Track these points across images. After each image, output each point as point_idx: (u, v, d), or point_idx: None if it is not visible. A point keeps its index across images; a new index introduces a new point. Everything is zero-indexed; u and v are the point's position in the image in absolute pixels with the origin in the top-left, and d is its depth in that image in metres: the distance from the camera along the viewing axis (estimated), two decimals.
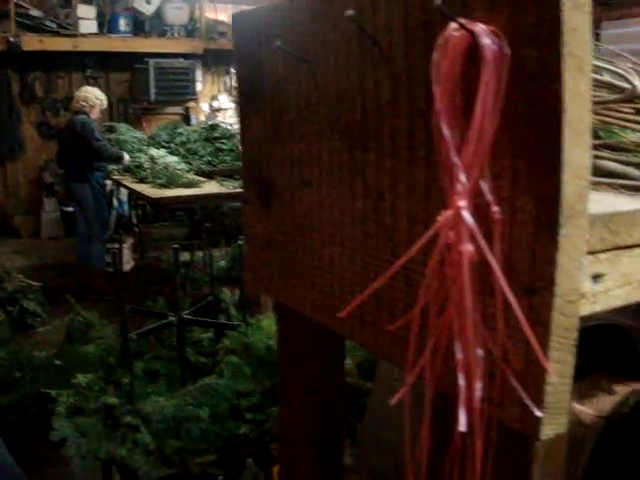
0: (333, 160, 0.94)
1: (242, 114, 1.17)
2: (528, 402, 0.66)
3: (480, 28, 0.65)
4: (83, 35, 8.14)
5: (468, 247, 0.64)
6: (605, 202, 0.72)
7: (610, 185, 0.79)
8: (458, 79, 0.66)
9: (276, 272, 1.11)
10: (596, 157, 0.83)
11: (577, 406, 1.48)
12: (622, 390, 1.53)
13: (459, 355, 0.66)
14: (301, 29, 0.97)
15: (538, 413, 0.65)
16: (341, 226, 0.93)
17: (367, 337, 0.88)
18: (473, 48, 0.65)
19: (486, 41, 0.64)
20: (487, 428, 0.71)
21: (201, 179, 5.60)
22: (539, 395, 0.65)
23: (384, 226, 0.84)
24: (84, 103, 5.85)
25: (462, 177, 0.65)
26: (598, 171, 0.82)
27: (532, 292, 0.64)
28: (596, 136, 0.86)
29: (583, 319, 0.71)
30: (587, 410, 1.48)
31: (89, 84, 7.69)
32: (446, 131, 0.66)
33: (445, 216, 0.65)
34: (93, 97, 5.92)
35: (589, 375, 1.58)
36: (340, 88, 0.90)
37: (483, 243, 0.64)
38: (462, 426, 0.63)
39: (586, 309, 0.68)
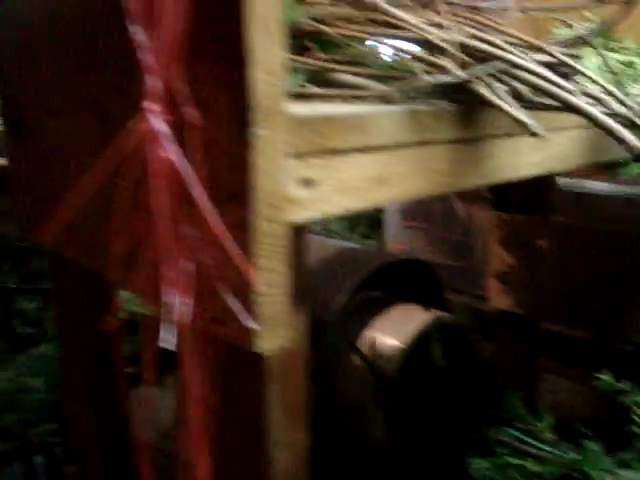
0: (71, 85, 0.87)
1: None
2: (241, 314, 0.63)
3: None
4: None
5: (163, 154, 0.60)
6: (322, 108, 0.70)
7: (342, 97, 0.78)
8: None
9: (36, 213, 1.03)
10: (331, 70, 0.82)
11: (379, 336, 1.51)
12: (425, 319, 1.57)
13: (164, 270, 0.62)
14: None
15: (252, 325, 0.63)
16: (84, 155, 0.87)
17: (105, 266, 0.83)
18: None
19: None
20: (215, 348, 0.69)
21: None
22: (251, 306, 0.63)
23: None
24: None
25: (154, 81, 0.61)
26: (332, 84, 0.81)
27: (233, 198, 0.62)
28: (334, 50, 0.85)
29: (299, 227, 0.70)
30: (389, 339, 1.50)
31: None
32: (137, 33, 0.61)
33: (140, 123, 0.61)
34: None
35: (393, 305, 1.61)
36: (67, 3, 0.84)
37: (178, 149, 0.61)
38: (163, 342, 0.60)
39: (298, 215, 0.66)
